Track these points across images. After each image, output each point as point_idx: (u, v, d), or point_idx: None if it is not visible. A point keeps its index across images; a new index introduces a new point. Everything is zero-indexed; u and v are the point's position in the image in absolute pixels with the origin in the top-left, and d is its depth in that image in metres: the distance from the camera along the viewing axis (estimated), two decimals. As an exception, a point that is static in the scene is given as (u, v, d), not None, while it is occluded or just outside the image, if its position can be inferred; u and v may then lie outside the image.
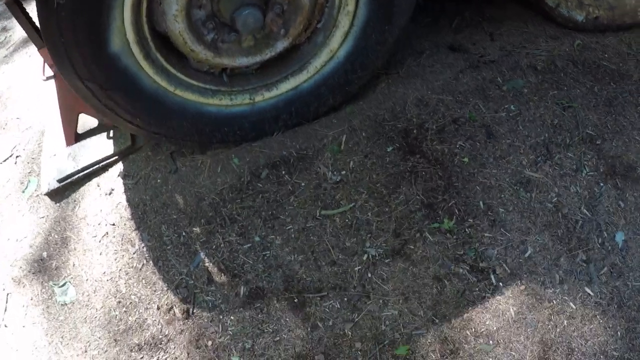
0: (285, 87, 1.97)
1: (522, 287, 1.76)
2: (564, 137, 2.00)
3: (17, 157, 2.66)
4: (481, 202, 1.91)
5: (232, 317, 1.82)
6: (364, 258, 1.85)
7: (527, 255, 1.80)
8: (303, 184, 1.97)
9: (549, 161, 1.95)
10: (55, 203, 2.33)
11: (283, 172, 1.99)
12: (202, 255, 1.94)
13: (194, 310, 1.87)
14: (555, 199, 1.88)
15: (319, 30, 1.93)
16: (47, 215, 2.33)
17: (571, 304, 1.70)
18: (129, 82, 1.75)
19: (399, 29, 1.94)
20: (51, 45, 1.62)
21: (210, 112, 1.94)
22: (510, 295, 1.74)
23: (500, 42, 2.32)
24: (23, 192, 2.49)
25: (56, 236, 2.23)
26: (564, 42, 2.29)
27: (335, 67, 1.96)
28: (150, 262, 1.99)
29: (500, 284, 1.76)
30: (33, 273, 2.16)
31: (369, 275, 1.83)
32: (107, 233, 2.11)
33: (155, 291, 1.95)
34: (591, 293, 1.71)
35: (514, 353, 1.65)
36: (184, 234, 1.99)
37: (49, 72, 2.23)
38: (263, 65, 1.96)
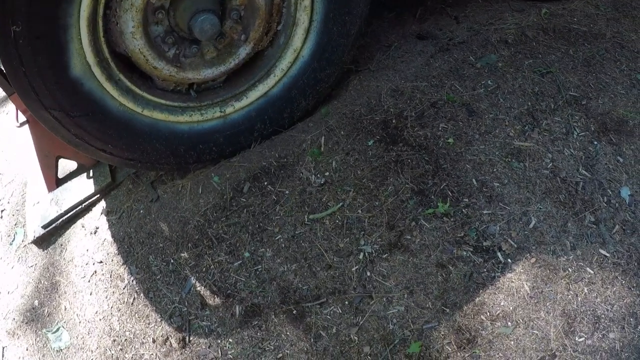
0: (255, 94, 1.89)
1: (533, 260, 1.62)
2: (548, 103, 1.90)
3: (2, 210, 2.59)
4: (474, 180, 1.80)
5: (230, 340, 1.69)
6: (360, 257, 1.72)
7: (531, 226, 1.67)
8: (287, 192, 1.86)
9: (537, 128, 1.84)
10: (43, 250, 2.24)
11: (265, 183, 1.89)
12: (192, 280, 1.82)
13: (191, 338, 1.73)
14: (551, 164, 1.77)
15: (280, 32, 1.85)
16: (36, 264, 2.23)
17: (588, 269, 1.56)
18: (95, 107, 1.68)
19: (360, 19, 1.87)
20: (13, 77, 1.56)
21: (182, 130, 1.85)
22: (522, 270, 1.61)
23: (467, 24, 2.26)
24: (10, 244, 2.41)
25: (46, 282, 2.13)
26: (530, 14, 2.23)
27: (302, 67, 1.88)
28: (141, 294, 1.87)
29: (509, 260, 1.63)
30: (26, 323, 2.06)
31: (368, 273, 1.69)
32: (95, 272, 2.00)
33: (149, 324, 1.82)
34: (607, 254, 1.57)
35: (536, 331, 1.50)
36: (172, 261, 1.88)
37: (22, 118, 2.18)
38: (229, 76, 1.88)
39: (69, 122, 1.68)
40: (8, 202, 2.58)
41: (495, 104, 1.94)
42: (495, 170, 1.81)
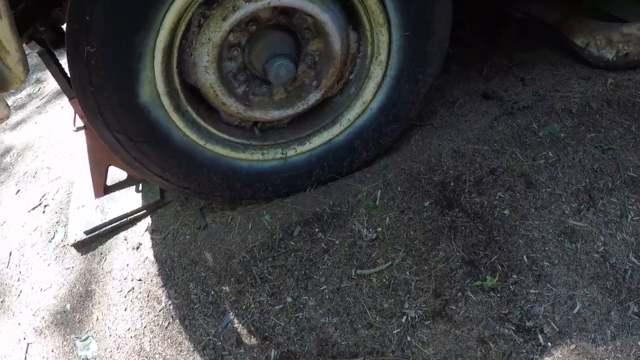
0: (318, 141, 1.85)
1: (572, 347, 1.56)
2: (605, 182, 1.84)
3: (45, 206, 2.58)
4: (525, 256, 1.74)
5: (262, 384, 1.66)
6: (403, 320, 1.67)
7: (576, 310, 1.62)
8: (337, 242, 1.82)
9: (592, 208, 1.78)
10: (82, 254, 2.22)
11: (316, 230, 1.85)
12: (231, 315, 1.79)
13: (222, 375, 1.71)
14: (602, 248, 1.71)
15: (351, 81, 1.81)
16: (73, 267, 2.22)
17: (626, 363, 1.51)
18: (159, 135, 1.65)
19: (432, 78, 1.83)
20: (81, 94, 1.54)
21: (241, 167, 1.81)
22: (560, 355, 1.55)
23: (533, 87, 2.20)
24: (50, 241, 2.40)
25: (80, 288, 2.11)
26: (596, 82, 2.17)
27: (369, 120, 1.84)
28: (177, 320, 1.84)
29: (549, 343, 1.57)
30: (55, 324, 2.04)
31: (409, 338, 1.65)
32: (133, 288, 1.98)
33: (181, 351, 1.79)
34: (647, 350, 1.51)
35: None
36: (212, 292, 1.85)
37: (80, 123, 2.17)
38: (295, 118, 1.85)
39: (130, 146, 1.66)
40: (52, 199, 2.57)
41: (554, 178, 1.89)
42: (547, 248, 1.76)
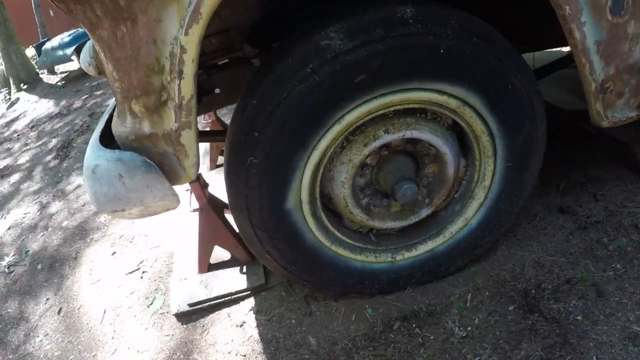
0: (423, 249, 2.03)
1: None
2: None
3: (143, 272, 2.71)
4: (594, 357, 1.91)
5: None
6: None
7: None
8: (432, 337, 1.98)
9: (653, 316, 1.96)
10: (182, 324, 2.34)
11: (414, 325, 2.01)
12: (334, 399, 1.92)
13: None
14: (661, 352, 1.87)
15: (456, 199, 2.02)
16: (173, 334, 2.33)
17: None
18: (294, 235, 1.83)
19: (524, 200, 2.04)
20: (234, 194, 1.73)
21: (356, 266, 1.99)
22: None
23: (604, 202, 2.40)
24: (148, 307, 2.52)
25: (182, 356, 2.22)
26: None
27: (468, 233, 2.03)
28: (281, 399, 1.98)
29: None
30: (154, 388, 2.15)
31: None
32: (237, 363, 2.11)
33: None
34: None
35: None
36: (316, 375, 1.99)
37: (196, 204, 2.36)
38: (405, 227, 2.04)
39: (267, 241, 1.83)
40: (151, 266, 2.71)
41: (621, 288, 2.06)
42: (613, 351, 1.90)
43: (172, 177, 1.52)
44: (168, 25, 1.27)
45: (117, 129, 1.58)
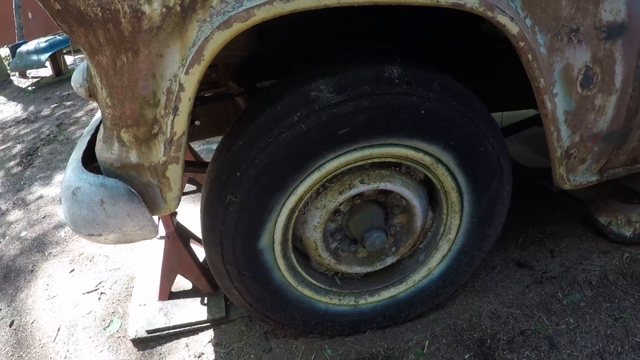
0: (386, 294, 2.06)
1: None
2: (615, 346, 2.08)
3: (101, 293, 2.63)
4: (546, 407, 1.96)
5: None
6: None
7: None
8: (387, 383, 2.00)
9: (602, 369, 2.03)
10: (139, 350, 2.27)
11: (371, 369, 2.03)
12: None
13: None
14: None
15: (421, 250, 2.07)
16: (128, 359, 2.27)
17: None
18: (263, 273, 1.82)
19: (485, 253, 2.11)
20: (209, 228, 1.71)
21: (319, 308, 1.99)
22: None
23: (560, 259, 2.50)
24: (104, 329, 2.44)
25: (135, 383, 2.17)
26: (614, 256, 2.46)
27: (429, 282, 2.07)
28: None
29: None
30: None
31: None
32: (192, 397, 2.06)
33: None
34: None
35: None
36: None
37: (163, 232, 2.32)
38: (369, 273, 2.07)
39: (236, 277, 1.82)
40: (110, 288, 2.63)
41: (573, 341, 2.12)
42: None
43: (152, 207, 1.50)
44: (169, 61, 1.27)
45: (103, 154, 1.56)
